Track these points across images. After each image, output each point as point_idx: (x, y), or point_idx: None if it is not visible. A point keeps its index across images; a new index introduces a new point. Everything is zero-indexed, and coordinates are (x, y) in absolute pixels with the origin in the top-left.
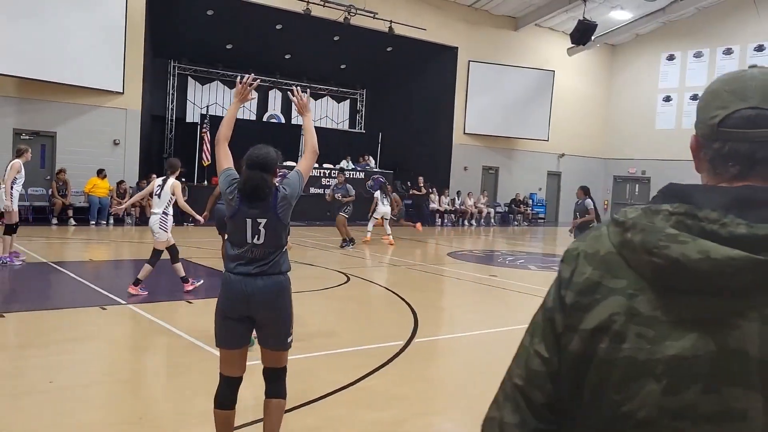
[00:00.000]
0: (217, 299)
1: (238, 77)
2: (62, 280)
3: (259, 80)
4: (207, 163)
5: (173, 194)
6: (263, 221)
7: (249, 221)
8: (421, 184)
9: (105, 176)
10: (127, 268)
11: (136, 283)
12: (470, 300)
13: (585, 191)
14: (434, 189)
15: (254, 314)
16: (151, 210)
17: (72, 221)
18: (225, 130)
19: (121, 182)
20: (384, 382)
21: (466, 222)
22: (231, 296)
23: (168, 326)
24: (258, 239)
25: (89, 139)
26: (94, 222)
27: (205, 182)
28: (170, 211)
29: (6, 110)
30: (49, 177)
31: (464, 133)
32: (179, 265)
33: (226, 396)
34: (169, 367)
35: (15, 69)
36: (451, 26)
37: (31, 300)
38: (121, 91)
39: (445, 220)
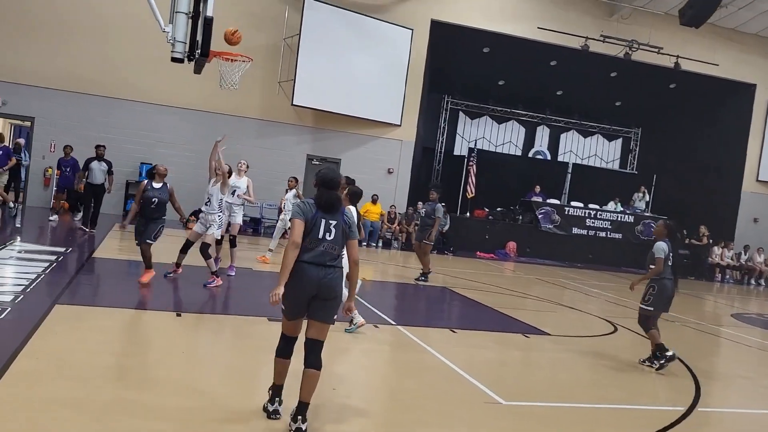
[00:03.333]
0: (289, 284)
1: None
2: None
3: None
4: (471, 195)
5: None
6: (334, 223)
7: (323, 221)
8: (703, 234)
9: (377, 201)
10: (393, 289)
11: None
12: (763, 371)
13: None
14: (716, 240)
15: (319, 294)
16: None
17: None
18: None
19: (392, 207)
20: None
21: (753, 281)
22: (306, 280)
23: (435, 353)
24: (329, 236)
25: (367, 166)
26: (365, 243)
27: (468, 213)
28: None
29: (303, 138)
30: None
31: (757, 180)
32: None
33: (286, 350)
34: (433, 391)
35: (314, 102)
36: (748, 61)
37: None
38: (399, 123)
39: (727, 276)
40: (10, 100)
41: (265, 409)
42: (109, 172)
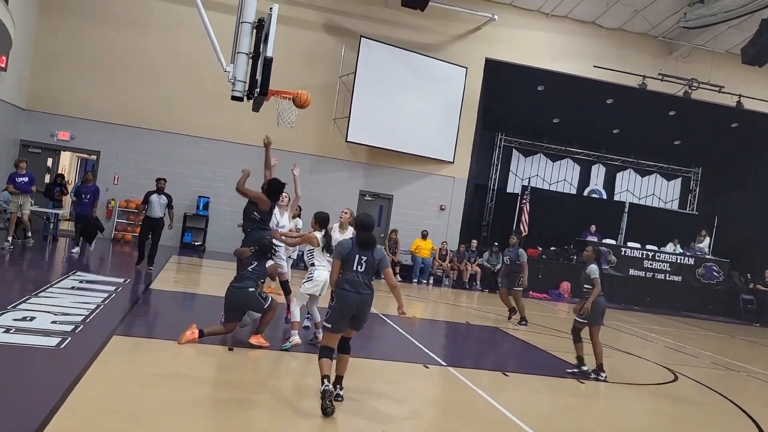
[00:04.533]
0: (333, 306)
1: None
2: (387, 331)
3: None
4: (524, 234)
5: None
6: (365, 258)
7: (357, 256)
8: None
9: (427, 237)
10: (443, 328)
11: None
12: None
13: None
14: None
15: (358, 314)
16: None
17: (398, 277)
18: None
19: (443, 243)
20: None
21: None
22: (348, 303)
23: (486, 396)
24: (361, 268)
25: (419, 203)
26: (416, 280)
27: None
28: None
29: (356, 174)
30: (383, 235)
31: None
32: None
33: (329, 354)
34: None
35: (367, 139)
36: None
37: (361, 347)
38: (452, 160)
39: None
40: (78, 134)
41: (324, 394)
42: (169, 206)
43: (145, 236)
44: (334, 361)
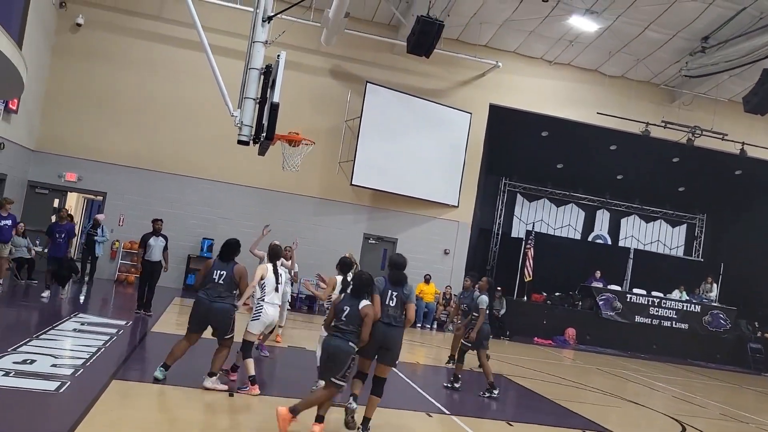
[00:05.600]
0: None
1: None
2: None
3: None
4: (528, 279)
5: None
6: (396, 294)
7: (389, 292)
8: None
9: (430, 281)
10: (446, 375)
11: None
12: None
13: None
14: None
15: (386, 345)
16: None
17: None
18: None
19: (447, 288)
20: None
21: None
22: (378, 336)
23: None
24: (392, 303)
25: (423, 246)
26: (419, 325)
27: (525, 297)
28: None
29: (360, 217)
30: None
31: None
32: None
33: (361, 378)
34: None
35: (372, 182)
36: None
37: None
38: (456, 204)
39: None
40: (85, 176)
41: (347, 407)
42: (165, 248)
43: (146, 283)
44: (372, 399)
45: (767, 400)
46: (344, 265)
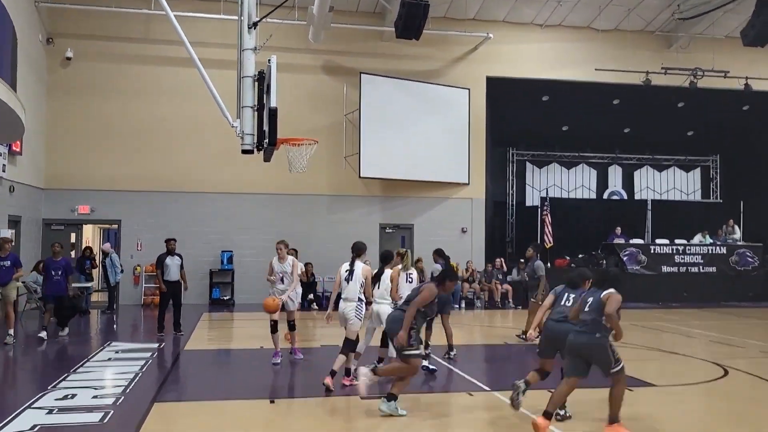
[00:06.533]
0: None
1: None
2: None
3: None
4: (549, 245)
5: (365, 279)
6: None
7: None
8: None
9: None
10: (482, 352)
11: (347, 373)
12: None
13: None
14: None
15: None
16: (343, 297)
17: None
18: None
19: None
20: None
21: None
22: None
23: (534, 416)
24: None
25: (441, 228)
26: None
27: (548, 264)
28: (363, 297)
29: (374, 208)
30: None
31: None
32: (342, 357)
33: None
34: None
35: (380, 172)
36: None
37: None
38: (467, 182)
39: None
40: (98, 207)
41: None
42: (182, 267)
43: (166, 304)
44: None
45: None
46: (385, 258)
